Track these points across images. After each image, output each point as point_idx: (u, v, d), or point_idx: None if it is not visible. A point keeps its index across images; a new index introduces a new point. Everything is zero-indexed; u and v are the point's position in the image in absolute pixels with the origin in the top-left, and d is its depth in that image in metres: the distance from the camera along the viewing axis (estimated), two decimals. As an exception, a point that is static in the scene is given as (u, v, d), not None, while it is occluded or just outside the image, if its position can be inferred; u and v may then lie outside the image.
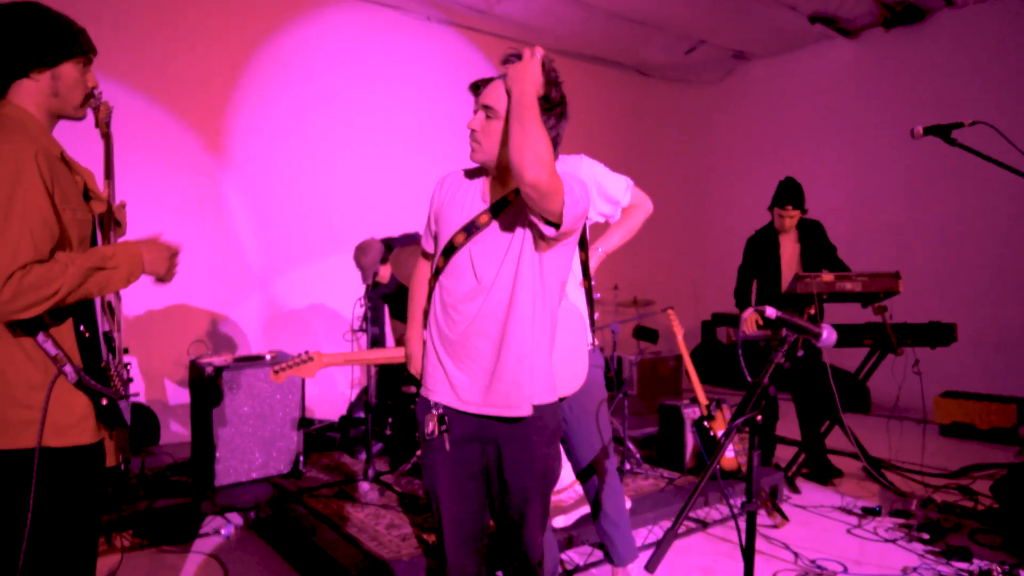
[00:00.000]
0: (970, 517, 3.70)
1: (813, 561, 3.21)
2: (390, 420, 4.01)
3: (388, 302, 4.41)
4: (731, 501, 3.85)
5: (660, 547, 1.48)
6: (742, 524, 1.73)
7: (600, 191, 2.55)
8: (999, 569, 3.01)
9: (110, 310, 1.85)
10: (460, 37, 6.93)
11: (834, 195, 7.12)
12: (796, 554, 3.29)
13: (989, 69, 6.14)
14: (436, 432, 1.96)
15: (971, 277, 6.27)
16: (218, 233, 5.64)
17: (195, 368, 3.72)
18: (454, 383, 1.92)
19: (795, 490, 4.20)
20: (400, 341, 4.30)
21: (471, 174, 2.06)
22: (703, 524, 3.65)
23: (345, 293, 5.09)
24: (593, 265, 2.58)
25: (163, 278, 1.97)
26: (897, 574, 3.09)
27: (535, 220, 1.79)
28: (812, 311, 4.14)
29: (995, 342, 6.14)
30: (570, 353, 2.11)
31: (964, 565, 3.13)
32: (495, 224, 1.91)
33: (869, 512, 3.82)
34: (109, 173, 2.08)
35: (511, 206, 1.91)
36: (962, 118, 2.72)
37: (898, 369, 4.13)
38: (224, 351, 5.51)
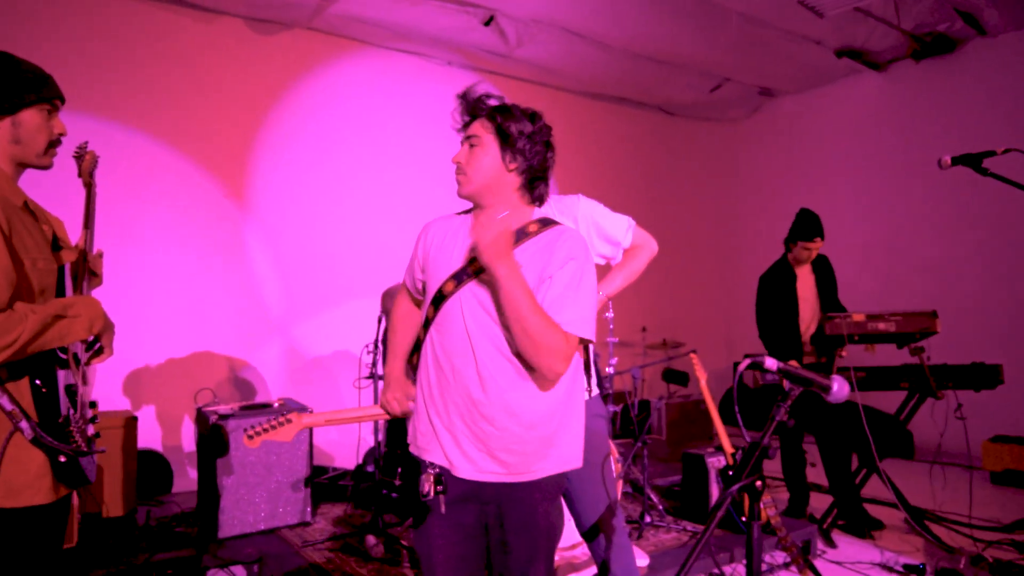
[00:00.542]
0: (1026, 576, 3.41)
1: (848, 625, 2.97)
2: (399, 470, 3.88)
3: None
4: (762, 556, 3.60)
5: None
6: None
7: (599, 232, 2.44)
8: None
9: (76, 361, 1.79)
10: (482, 81, 6.94)
11: (868, 231, 6.89)
12: (830, 617, 3.05)
13: (1025, 99, 5.92)
14: (432, 493, 1.85)
15: (1018, 313, 5.94)
16: (240, 279, 5.65)
17: (201, 416, 3.67)
18: (447, 447, 1.82)
19: (830, 544, 3.93)
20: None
21: (459, 215, 1.98)
22: (730, 582, 3.42)
23: (366, 339, 5.03)
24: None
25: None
26: (942, 641, 2.83)
27: None
28: (844, 353, 3.93)
29: (1048, 383, 5.78)
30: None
31: (1018, 632, 2.86)
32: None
33: (912, 570, 3.53)
34: (88, 223, 2.05)
35: None
36: (995, 147, 2.56)
37: (939, 413, 3.87)
38: (245, 397, 5.47)
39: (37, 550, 1.69)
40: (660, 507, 3.94)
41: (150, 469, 4.34)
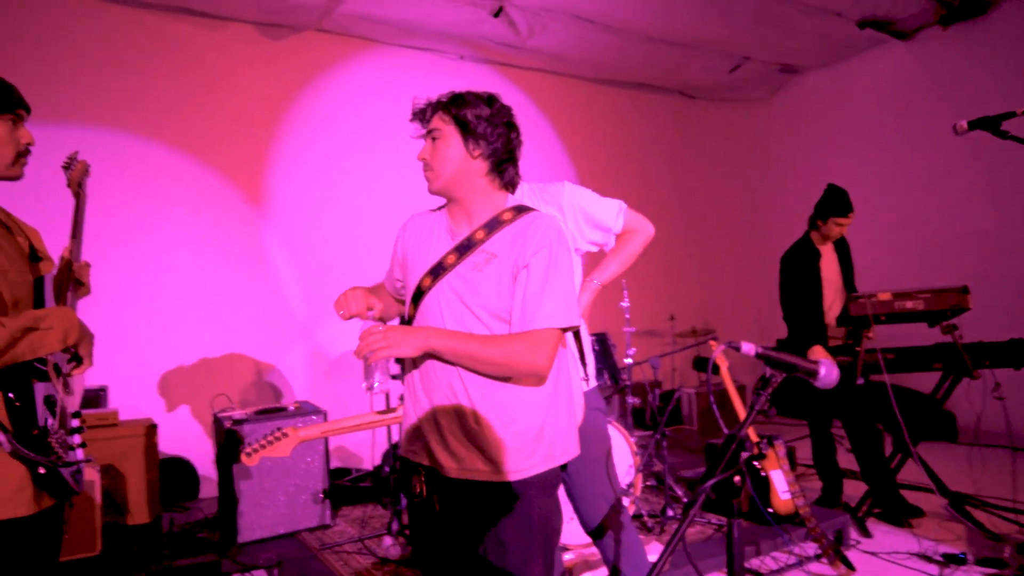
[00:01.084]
0: (1074, 563, 3.23)
1: (881, 619, 2.84)
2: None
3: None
4: (791, 547, 3.49)
5: None
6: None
7: (587, 219, 2.36)
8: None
9: (57, 372, 1.77)
10: (495, 73, 6.88)
11: (901, 206, 6.65)
12: (861, 610, 2.92)
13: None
14: (424, 494, 1.82)
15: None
16: (262, 284, 5.68)
17: (217, 422, 3.68)
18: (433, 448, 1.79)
19: (865, 533, 3.78)
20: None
21: (436, 211, 1.95)
22: (756, 576, 3.31)
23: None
24: (587, 299, 2.38)
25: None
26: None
27: None
28: (870, 335, 3.78)
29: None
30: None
31: (1064, 623, 2.70)
32: (464, 263, 1.78)
33: (952, 560, 3.36)
34: (76, 232, 2.03)
35: (479, 244, 1.78)
36: (1029, 111, 2.39)
37: (975, 394, 3.69)
38: (270, 400, 5.51)
39: (23, 562, 1.68)
40: (684, 500, 3.84)
41: (176, 475, 4.38)
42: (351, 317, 1.83)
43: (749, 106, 8.12)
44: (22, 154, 1.80)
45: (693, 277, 7.84)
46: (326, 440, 3.72)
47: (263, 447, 2.38)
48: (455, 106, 1.77)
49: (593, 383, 2.39)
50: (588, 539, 3.07)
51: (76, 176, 2.12)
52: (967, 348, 3.69)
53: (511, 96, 6.92)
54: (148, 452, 3.73)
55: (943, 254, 6.26)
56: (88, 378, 4.28)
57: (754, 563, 3.37)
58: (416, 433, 1.83)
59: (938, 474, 3.91)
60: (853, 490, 4.30)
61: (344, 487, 4.30)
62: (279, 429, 2.20)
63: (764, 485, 3.52)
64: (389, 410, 2.63)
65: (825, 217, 4.07)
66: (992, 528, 3.70)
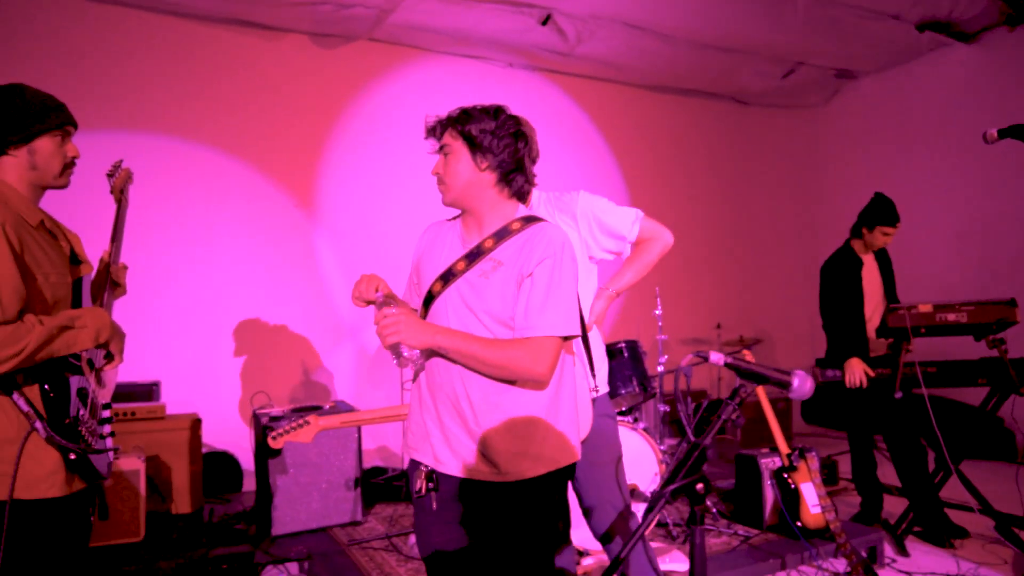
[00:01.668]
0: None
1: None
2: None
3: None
4: (819, 563, 3.42)
5: None
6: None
7: (601, 227, 2.39)
8: None
9: (90, 366, 1.91)
10: (544, 80, 6.92)
11: (962, 217, 6.40)
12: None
13: None
14: (424, 491, 1.89)
15: None
16: (312, 286, 5.87)
17: (256, 418, 3.84)
18: (436, 446, 1.86)
19: (902, 552, 3.67)
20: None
21: (452, 219, 2.04)
22: (781, 590, 3.26)
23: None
24: (600, 306, 2.40)
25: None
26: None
27: None
28: (909, 348, 3.68)
29: None
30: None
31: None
32: (472, 270, 1.85)
33: (991, 582, 3.26)
34: (116, 236, 2.18)
35: (488, 252, 1.85)
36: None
37: (1017, 410, 3.55)
38: (317, 399, 5.69)
39: (55, 539, 1.82)
40: (714, 510, 3.80)
41: (222, 468, 4.58)
42: (366, 304, 1.87)
43: (804, 112, 7.94)
44: (68, 166, 1.96)
45: (744, 286, 7.71)
46: (359, 438, 3.84)
47: (286, 432, 2.53)
48: (461, 122, 1.85)
49: (604, 389, 2.42)
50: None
51: (119, 183, 2.27)
52: (1015, 363, 3.55)
53: (560, 103, 6.95)
54: (192, 445, 3.93)
55: (1006, 267, 6.00)
56: (142, 373, 4.53)
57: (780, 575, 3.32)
58: (420, 432, 1.90)
59: (987, 494, 3.76)
60: (895, 507, 4.17)
61: (378, 485, 4.42)
62: (302, 417, 2.32)
63: (794, 498, 3.47)
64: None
65: (872, 226, 4.02)
66: (1040, 553, 3.55)
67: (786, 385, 1.41)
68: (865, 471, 4.02)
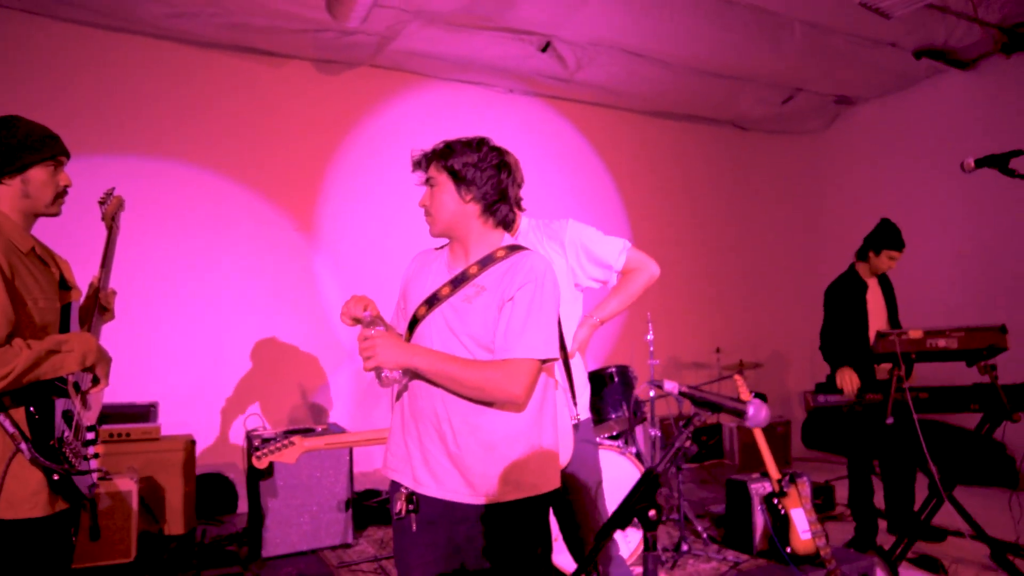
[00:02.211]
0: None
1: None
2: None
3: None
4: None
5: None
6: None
7: (588, 256, 2.43)
8: None
9: (76, 389, 1.95)
10: (544, 105, 7.00)
11: (961, 241, 6.40)
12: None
13: None
14: (404, 512, 1.91)
15: None
16: (312, 309, 5.91)
17: (248, 440, 3.87)
18: (416, 467, 1.88)
19: (895, 580, 3.65)
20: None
21: (440, 248, 2.09)
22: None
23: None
24: (584, 334, 2.43)
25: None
26: None
27: None
28: (900, 373, 3.68)
29: None
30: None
31: None
32: (456, 295, 1.89)
33: (983, 611, 3.23)
34: (105, 262, 2.23)
35: (472, 278, 1.89)
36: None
37: (1017, 436, 3.53)
38: (317, 421, 5.71)
39: (38, 558, 1.85)
40: (704, 535, 3.79)
41: (217, 490, 4.60)
42: (354, 322, 1.91)
43: (803, 138, 7.99)
44: (60, 195, 2.02)
45: (745, 310, 7.71)
46: (350, 460, 3.86)
47: (271, 452, 2.55)
48: (444, 157, 1.90)
49: (585, 416, 2.43)
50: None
51: (111, 210, 2.32)
52: (1007, 389, 3.55)
53: (560, 128, 7.01)
54: (186, 466, 3.95)
55: (1006, 292, 5.99)
56: (141, 394, 4.57)
57: (770, 604, 3.30)
58: (401, 453, 1.93)
59: (985, 521, 3.73)
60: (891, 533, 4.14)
61: (371, 508, 4.43)
62: (287, 438, 2.35)
63: (784, 523, 3.46)
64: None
65: (879, 249, 4.10)
66: (1035, 582, 3.51)
67: (741, 414, 1.42)
68: (861, 496, 4.00)
